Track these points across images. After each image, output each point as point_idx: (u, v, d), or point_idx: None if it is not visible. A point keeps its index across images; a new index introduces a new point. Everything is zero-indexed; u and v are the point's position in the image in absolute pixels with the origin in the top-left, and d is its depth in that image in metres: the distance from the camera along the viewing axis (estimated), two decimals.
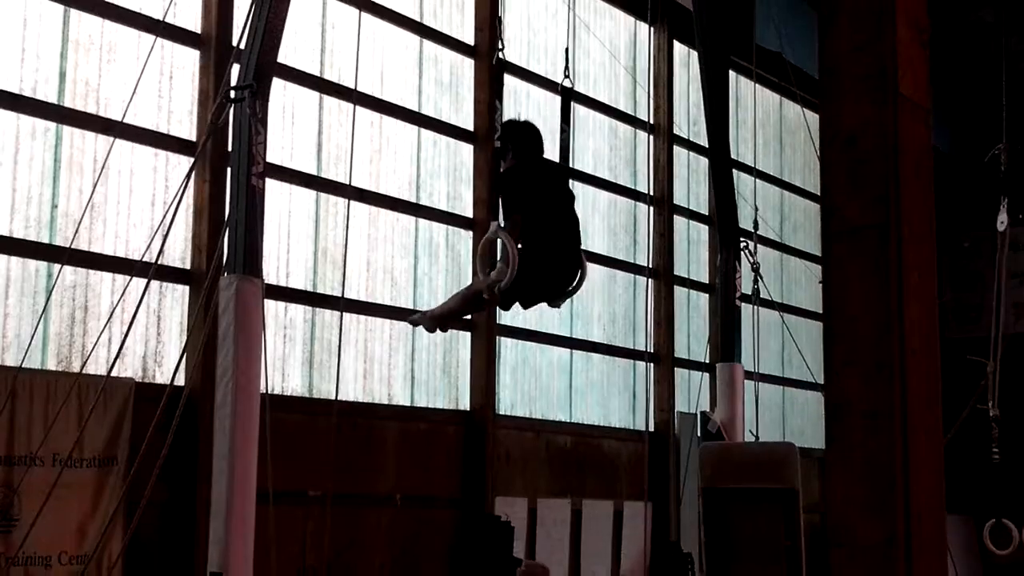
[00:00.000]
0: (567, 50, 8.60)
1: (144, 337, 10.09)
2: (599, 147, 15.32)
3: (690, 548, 13.99)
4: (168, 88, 10.46)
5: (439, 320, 7.81)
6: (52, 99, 9.66)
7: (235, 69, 8.44)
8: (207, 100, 10.24)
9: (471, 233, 13.02)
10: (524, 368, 14.01)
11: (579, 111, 14.67)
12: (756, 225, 13.45)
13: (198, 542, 9.38)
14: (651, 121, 15.54)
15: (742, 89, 16.98)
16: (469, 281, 12.70)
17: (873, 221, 4.07)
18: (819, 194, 4.38)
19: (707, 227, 16.82)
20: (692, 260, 16.64)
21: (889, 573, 3.90)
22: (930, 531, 4.03)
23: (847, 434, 4.05)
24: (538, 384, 14.21)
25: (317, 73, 11.71)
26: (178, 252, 10.32)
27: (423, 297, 12.70)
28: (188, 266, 10.37)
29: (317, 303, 11.50)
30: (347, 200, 10.35)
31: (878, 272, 4.04)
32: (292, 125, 11.49)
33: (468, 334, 12.95)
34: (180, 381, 9.05)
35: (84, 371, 8.96)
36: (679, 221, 16.38)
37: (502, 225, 7.31)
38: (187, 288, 10.36)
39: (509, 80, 13.72)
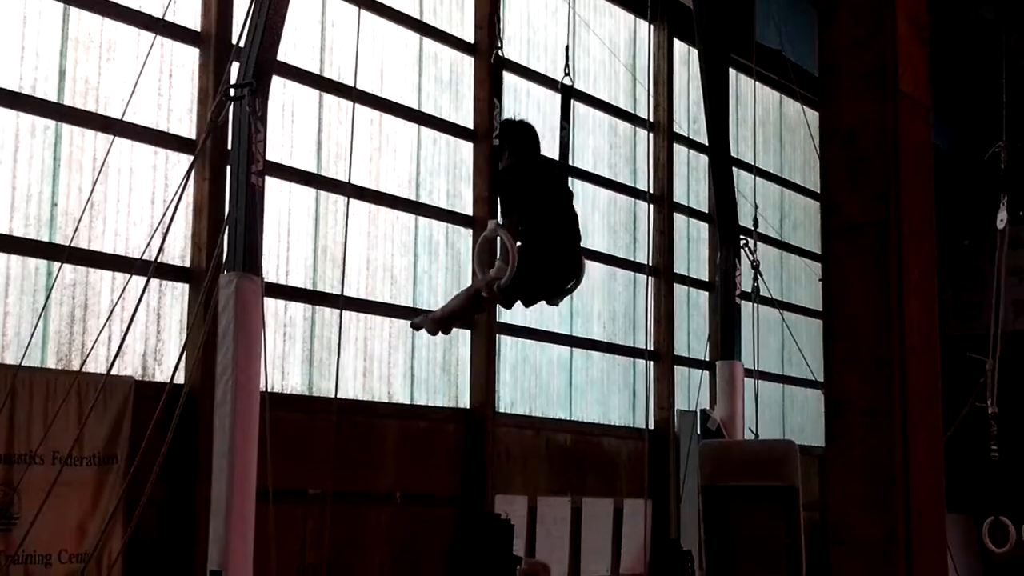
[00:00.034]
0: (567, 48, 8.59)
1: (144, 335, 10.09)
2: (599, 145, 15.31)
3: (690, 546, 13.99)
4: (168, 86, 10.45)
5: (440, 322, 7.80)
6: (52, 97, 9.65)
7: (235, 67, 8.45)
8: (207, 98, 10.23)
9: (471, 231, 13.02)
10: (524, 366, 14.01)
11: (579, 109, 14.67)
12: (756, 223, 13.45)
13: (198, 540, 9.38)
14: (651, 119, 15.54)
15: (742, 87, 16.97)
16: (469, 279, 12.71)
17: (873, 219, 4.07)
18: (819, 192, 4.37)
19: (707, 225, 16.82)
20: (692, 258, 16.64)
21: (889, 571, 3.90)
22: (930, 529, 4.03)
23: (847, 432, 4.05)
24: (538, 382, 14.21)
25: (317, 71, 11.70)
26: (178, 250, 10.31)
27: (423, 295, 12.70)
28: (188, 264, 10.37)
29: (317, 301, 11.50)
30: (347, 198, 10.35)
31: (878, 270, 4.04)
32: (292, 123, 11.49)
33: (468, 332, 12.94)
34: (180, 379, 9.05)
35: (84, 369, 8.96)
36: (679, 219, 16.38)
37: (500, 223, 7.30)
38: (187, 286, 10.35)
39: (509, 78, 13.74)
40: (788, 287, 18.67)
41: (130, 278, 8.82)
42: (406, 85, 12.74)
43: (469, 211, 13.18)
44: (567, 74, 8.40)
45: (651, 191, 14.98)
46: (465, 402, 13.01)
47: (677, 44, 16.54)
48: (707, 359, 14.23)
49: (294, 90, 11.44)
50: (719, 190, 13.38)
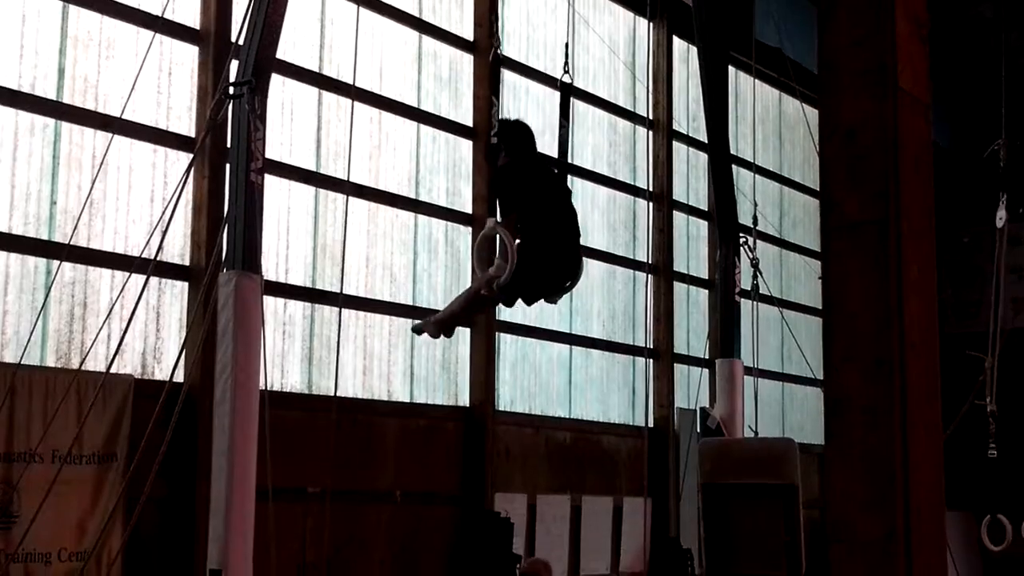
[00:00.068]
0: (566, 45, 8.59)
1: (143, 333, 10.09)
2: (598, 143, 15.31)
3: (690, 544, 14.00)
4: (167, 84, 10.45)
5: (443, 324, 7.79)
6: (51, 95, 9.65)
7: (234, 65, 8.44)
8: (206, 96, 10.23)
9: (470, 229, 13.02)
10: (524, 364, 14.01)
11: (578, 107, 14.66)
12: (755, 221, 13.46)
13: (198, 539, 9.38)
14: (650, 117, 15.53)
15: (741, 84, 16.97)
16: (469, 277, 12.72)
17: (873, 216, 4.06)
18: (818, 189, 4.37)
19: (706, 223, 16.81)
20: (691, 256, 16.64)
21: (889, 569, 3.90)
22: (930, 527, 4.02)
23: (847, 430, 4.05)
24: (538, 380, 14.20)
25: (316, 69, 11.70)
26: (177, 248, 10.31)
27: (422, 293, 12.70)
28: (187, 262, 10.36)
29: (316, 299, 11.50)
30: (346, 196, 10.35)
31: (878, 267, 4.04)
32: (291, 121, 11.48)
33: (467, 330, 12.93)
34: (179, 377, 9.05)
35: (83, 367, 8.95)
36: (678, 217, 16.37)
37: (499, 221, 7.31)
38: (186, 284, 10.35)
39: (509, 76, 13.73)
40: (788, 285, 18.67)
41: (129, 276, 8.82)
42: (405, 83, 12.73)
43: (468, 209, 13.17)
44: (566, 72, 8.41)
45: (650, 189, 14.98)
46: (465, 400, 13.01)
47: (676, 42, 16.53)
48: (707, 357, 14.22)
49: (293, 88, 11.44)
50: (718, 188, 13.37)
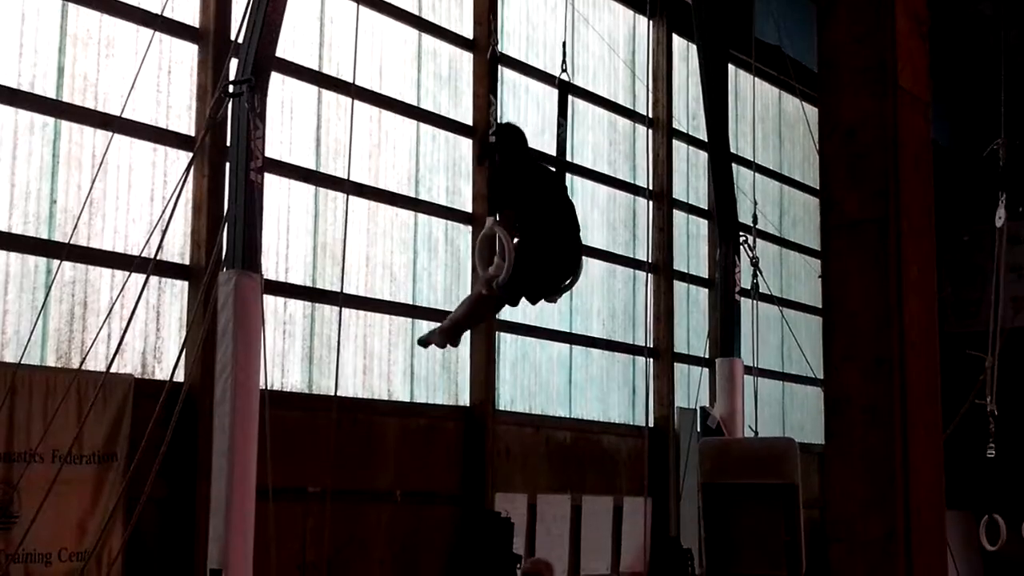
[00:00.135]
0: (564, 44, 8.60)
1: (143, 333, 10.08)
2: (598, 141, 15.30)
3: (690, 543, 14.00)
4: (167, 83, 10.44)
5: (448, 333, 7.78)
6: (50, 94, 9.64)
7: (233, 63, 8.44)
8: (206, 95, 10.22)
9: (470, 228, 13.01)
10: (524, 363, 14.00)
11: (578, 105, 14.66)
12: (755, 219, 13.46)
13: (198, 539, 9.38)
14: (650, 115, 15.53)
15: (741, 83, 16.96)
16: (469, 276, 12.72)
17: (872, 215, 4.06)
18: (818, 188, 4.37)
19: (706, 221, 16.81)
20: (691, 255, 16.63)
21: (889, 568, 3.89)
22: (930, 526, 4.02)
23: (847, 429, 4.04)
24: (538, 379, 14.20)
25: (316, 67, 11.69)
26: (177, 247, 10.30)
27: (422, 292, 12.70)
28: (187, 261, 10.36)
29: (316, 298, 11.49)
30: (346, 195, 10.34)
31: (877, 266, 4.03)
32: (291, 120, 11.48)
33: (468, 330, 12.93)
34: (179, 377, 9.05)
35: (83, 367, 8.94)
36: (678, 215, 16.36)
37: (498, 220, 7.32)
38: (186, 284, 10.35)
39: (508, 74, 13.74)
40: (788, 284, 18.66)
41: (129, 275, 8.82)
42: (405, 81, 12.73)
43: (468, 208, 13.17)
44: (564, 70, 8.41)
45: (650, 187, 14.97)
46: (465, 400, 13.00)
47: (676, 40, 16.52)
48: (707, 356, 14.22)
49: (293, 86, 11.43)
50: (718, 186, 13.37)
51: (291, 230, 11.40)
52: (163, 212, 8.65)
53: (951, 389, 5.37)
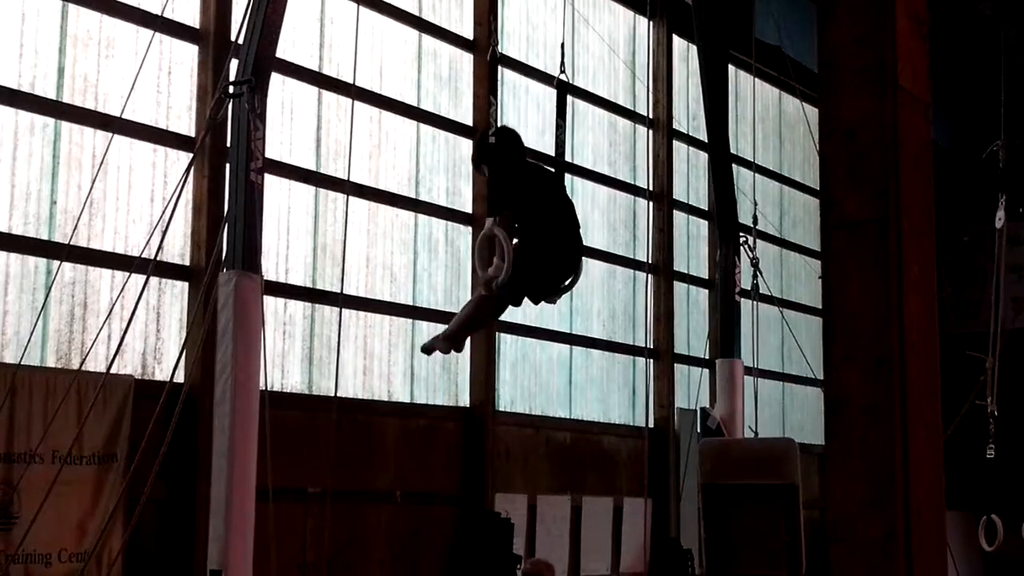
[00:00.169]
0: (562, 45, 8.62)
1: (143, 334, 10.08)
2: (598, 142, 15.30)
3: (690, 544, 14.00)
4: (167, 83, 10.44)
5: (452, 338, 7.77)
6: (51, 95, 9.65)
7: (234, 64, 8.44)
8: (206, 95, 10.23)
9: (470, 229, 13.01)
10: (524, 364, 14.00)
11: (578, 106, 14.66)
12: (755, 220, 13.46)
13: (198, 539, 9.38)
14: (650, 116, 15.53)
15: (741, 83, 16.96)
16: (469, 277, 12.72)
17: (872, 215, 4.05)
18: (818, 188, 4.37)
19: (706, 222, 16.81)
20: (692, 255, 16.63)
21: (889, 569, 3.89)
22: (930, 526, 4.02)
23: (847, 429, 4.04)
24: (538, 380, 14.20)
25: (316, 68, 11.69)
26: (177, 248, 10.30)
27: (422, 293, 12.70)
28: (187, 262, 10.36)
29: (316, 299, 11.49)
30: (346, 196, 10.34)
31: (878, 266, 4.03)
32: (291, 120, 11.48)
33: None
34: (179, 378, 9.05)
35: (83, 368, 8.95)
36: (678, 216, 16.36)
37: (496, 221, 7.32)
38: (186, 284, 10.35)
39: (509, 75, 13.74)
40: (788, 284, 18.66)
41: (129, 276, 8.82)
42: (405, 82, 12.73)
43: (469, 208, 13.17)
44: (563, 71, 8.43)
45: (650, 188, 14.97)
46: (465, 400, 13.00)
47: (676, 41, 16.52)
48: (707, 357, 14.22)
49: (293, 87, 11.43)
50: (718, 187, 13.38)
51: (291, 231, 11.40)
52: (163, 213, 8.65)
53: (951, 390, 5.37)
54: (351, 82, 9.68)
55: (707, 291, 16.53)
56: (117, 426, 9.41)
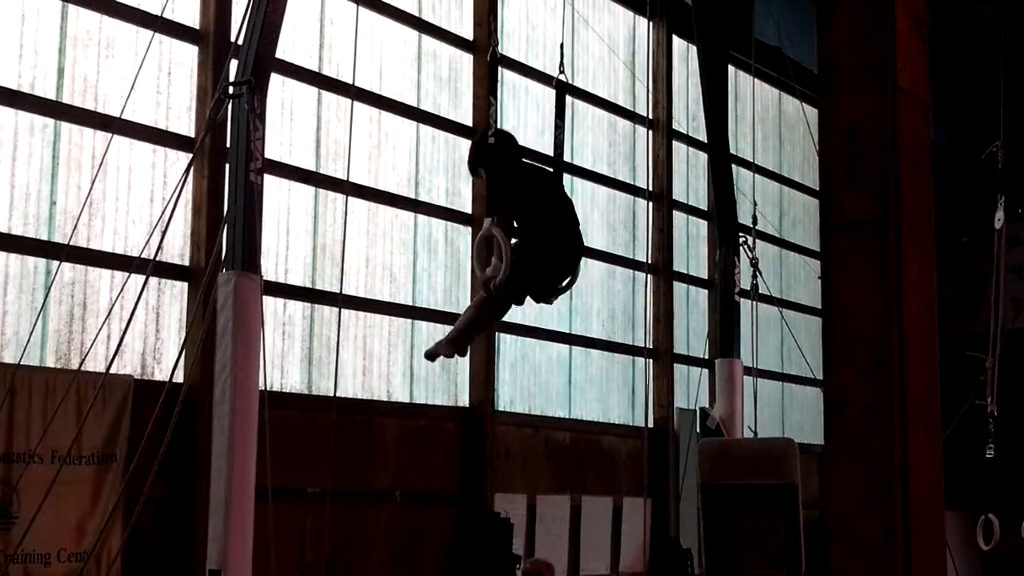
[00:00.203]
0: (562, 45, 8.62)
1: (143, 334, 10.08)
2: (598, 142, 15.30)
3: (689, 544, 13.99)
4: (166, 84, 10.44)
5: (455, 343, 7.76)
6: (50, 95, 9.64)
7: (233, 64, 8.44)
8: (205, 96, 10.23)
9: (470, 229, 13.01)
10: (523, 364, 14.00)
11: (578, 106, 14.66)
12: (755, 220, 13.46)
13: (197, 539, 9.38)
14: (650, 116, 15.53)
15: (741, 84, 16.96)
16: (469, 277, 12.72)
17: (872, 216, 4.06)
18: (818, 189, 4.37)
19: (706, 223, 16.81)
20: (691, 256, 16.63)
21: (888, 568, 3.89)
22: (929, 526, 4.02)
23: (846, 429, 4.04)
24: (537, 380, 14.20)
25: (315, 69, 11.69)
26: (177, 248, 10.30)
27: (422, 293, 12.69)
28: (187, 262, 10.36)
29: (316, 299, 11.49)
30: (346, 196, 10.34)
31: (877, 267, 4.04)
32: (290, 121, 11.48)
33: None
34: (179, 378, 9.05)
35: (83, 368, 8.94)
36: (678, 216, 16.36)
37: (494, 221, 7.33)
38: (186, 284, 10.34)
39: (508, 75, 13.74)
40: (787, 284, 18.66)
41: (129, 276, 8.81)
42: (405, 82, 12.73)
43: (468, 209, 13.17)
44: (562, 71, 8.43)
45: (650, 189, 14.97)
46: (464, 400, 13.00)
47: (676, 41, 16.53)
48: (706, 357, 14.22)
49: (293, 88, 11.43)
50: (718, 187, 13.37)
51: (291, 231, 11.40)
52: (163, 213, 8.65)
53: (950, 390, 5.37)
54: (351, 82, 9.68)
55: (707, 291, 16.54)
56: (116, 426, 9.41)
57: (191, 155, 9.11)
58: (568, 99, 8.92)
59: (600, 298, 15.09)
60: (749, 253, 13.16)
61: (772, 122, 18.88)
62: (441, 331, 12.44)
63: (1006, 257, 10.92)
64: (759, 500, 11.20)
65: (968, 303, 19.61)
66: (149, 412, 8.09)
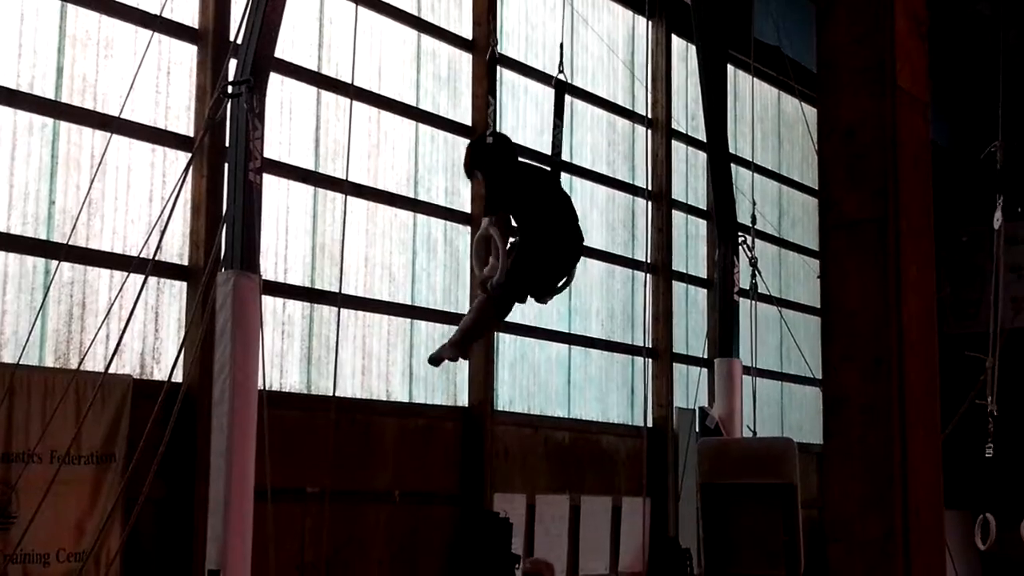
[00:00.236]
0: (561, 45, 8.62)
1: (142, 333, 10.08)
2: (597, 142, 15.30)
3: (689, 544, 14.00)
4: (165, 83, 10.44)
5: (458, 345, 7.76)
6: (49, 95, 9.64)
7: (232, 64, 8.44)
8: (204, 95, 10.22)
9: (469, 228, 13.00)
10: (522, 364, 14.00)
11: (577, 106, 14.66)
12: (754, 220, 13.46)
13: (196, 539, 9.37)
14: (649, 116, 15.53)
15: (740, 83, 16.96)
16: (468, 277, 12.72)
17: (871, 215, 4.06)
18: (817, 188, 4.37)
19: (705, 222, 16.81)
20: (690, 255, 16.63)
21: (887, 568, 3.89)
22: (928, 526, 4.02)
23: (845, 429, 4.04)
24: (536, 380, 14.19)
25: (314, 68, 11.69)
26: (176, 248, 10.30)
27: (421, 293, 12.69)
28: (186, 262, 10.35)
29: (315, 299, 11.49)
30: (345, 195, 10.34)
31: (876, 266, 4.04)
32: (289, 120, 11.47)
33: None
34: (178, 378, 9.05)
35: (82, 368, 8.94)
36: (677, 216, 16.36)
37: (492, 221, 7.33)
38: (185, 284, 10.34)
39: (508, 75, 13.74)
40: (786, 284, 18.66)
41: (128, 276, 8.81)
42: (404, 82, 12.72)
43: (467, 208, 13.16)
44: (561, 71, 8.43)
45: (649, 188, 14.97)
46: (464, 400, 13.00)
47: (675, 40, 16.53)
48: (705, 356, 14.22)
49: (292, 87, 11.43)
50: (717, 187, 13.38)
51: (290, 231, 11.39)
52: (162, 213, 8.65)
53: (950, 390, 5.36)
54: (350, 82, 9.68)
55: (706, 291, 16.54)
56: (115, 426, 9.40)
57: (190, 154, 9.11)
58: (567, 98, 8.91)
59: (599, 297, 15.09)
60: (748, 252, 13.17)
61: (771, 121, 18.88)
62: (440, 330, 12.48)
63: (1005, 256, 10.92)
64: (758, 500, 11.20)
65: (967, 302, 19.61)
66: (148, 412, 8.09)
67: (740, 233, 13.28)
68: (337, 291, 10.14)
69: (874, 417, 3.97)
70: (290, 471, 10.05)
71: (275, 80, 10.16)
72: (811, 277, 18.44)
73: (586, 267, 14.29)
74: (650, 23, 15.68)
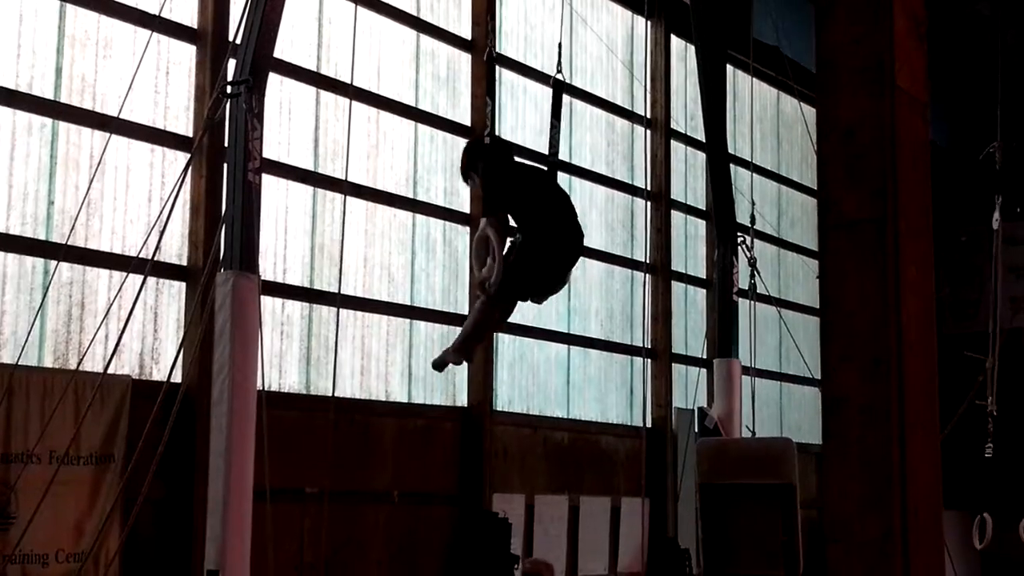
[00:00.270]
0: (559, 45, 8.62)
1: (141, 334, 10.08)
2: (596, 142, 15.30)
3: (688, 544, 14.00)
4: (164, 84, 10.44)
5: (462, 349, 7.75)
6: (48, 95, 9.64)
7: (231, 64, 8.44)
8: (203, 96, 10.22)
9: (468, 229, 13.00)
10: (521, 364, 14.00)
11: (576, 106, 14.66)
12: (753, 220, 13.46)
13: (195, 539, 9.36)
14: (648, 116, 15.53)
15: (739, 83, 16.96)
16: (467, 277, 12.72)
17: (870, 215, 4.06)
18: (816, 188, 4.37)
19: (704, 222, 16.81)
20: (689, 255, 16.63)
21: (886, 568, 3.89)
22: (927, 526, 4.02)
23: (844, 429, 4.04)
24: (535, 380, 14.19)
25: (314, 68, 11.69)
26: (175, 248, 10.30)
27: (420, 293, 12.69)
28: (185, 262, 10.35)
29: (314, 299, 11.49)
30: (344, 196, 10.34)
31: (875, 266, 4.03)
32: (288, 120, 11.47)
33: None
34: (177, 378, 9.05)
35: (81, 368, 8.94)
36: (676, 216, 16.37)
37: (490, 221, 7.33)
38: (184, 284, 10.34)
39: (507, 75, 13.74)
40: (785, 284, 18.66)
41: (127, 276, 8.81)
42: (403, 82, 12.72)
43: (466, 208, 13.16)
44: (559, 71, 8.43)
45: (648, 188, 14.96)
46: (463, 400, 13.00)
47: (674, 40, 16.53)
48: (704, 357, 14.22)
49: (291, 87, 11.43)
50: (716, 187, 13.39)
51: (289, 231, 11.39)
52: (161, 213, 8.66)
53: (949, 390, 5.36)
54: (349, 82, 9.68)
55: (705, 291, 16.54)
56: (114, 426, 9.40)
57: (189, 155, 9.11)
58: (566, 98, 8.95)
59: (598, 298, 15.09)
60: (747, 252, 13.17)
61: (770, 121, 18.88)
62: (439, 331, 12.49)
63: (1004, 256, 10.92)
64: (757, 500, 11.21)
65: (966, 303, 19.61)
66: (147, 412, 8.09)
67: (739, 233, 13.28)
68: (336, 291, 10.14)
69: (873, 417, 3.97)
70: (289, 471, 10.05)
71: (274, 80, 10.16)
72: (810, 277, 18.45)
73: (585, 267, 14.30)
74: (649, 23, 15.69)
